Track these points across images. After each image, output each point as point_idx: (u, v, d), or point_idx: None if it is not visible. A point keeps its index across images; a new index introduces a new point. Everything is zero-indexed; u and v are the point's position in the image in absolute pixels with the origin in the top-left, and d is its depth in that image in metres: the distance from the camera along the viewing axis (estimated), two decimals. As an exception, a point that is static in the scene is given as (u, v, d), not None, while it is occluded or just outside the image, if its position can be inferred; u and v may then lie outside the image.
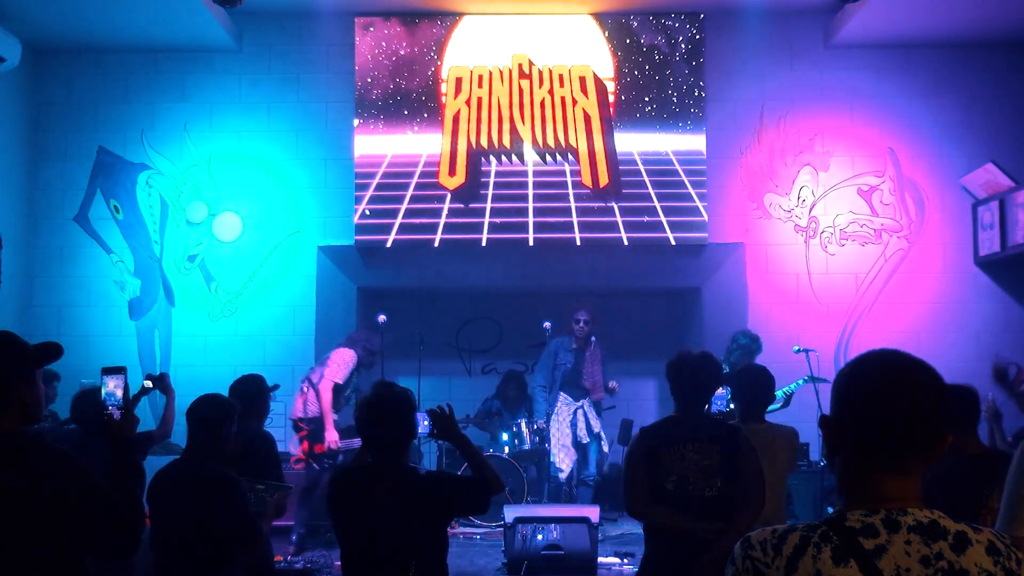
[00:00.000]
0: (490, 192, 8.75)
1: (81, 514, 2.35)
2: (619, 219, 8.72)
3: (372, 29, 8.83)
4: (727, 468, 3.78)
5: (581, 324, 8.03)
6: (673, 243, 8.72)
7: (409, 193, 8.73)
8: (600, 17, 8.83)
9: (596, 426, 8.05)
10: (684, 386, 3.92)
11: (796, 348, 7.74)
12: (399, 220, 8.72)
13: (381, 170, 8.75)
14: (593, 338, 8.11)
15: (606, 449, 8.15)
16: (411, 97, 8.82)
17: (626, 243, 8.71)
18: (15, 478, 2.32)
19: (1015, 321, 8.67)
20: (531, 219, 8.74)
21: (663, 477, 3.78)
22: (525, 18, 8.84)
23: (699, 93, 8.78)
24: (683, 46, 8.82)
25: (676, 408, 3.96)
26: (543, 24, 8.85)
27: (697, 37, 8.81)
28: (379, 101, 8.79)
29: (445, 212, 8.72)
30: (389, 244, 8.72)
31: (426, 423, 3.70)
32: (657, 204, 8.71)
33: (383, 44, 8.85)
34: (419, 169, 8.76)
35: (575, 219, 8.73)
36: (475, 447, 3.53)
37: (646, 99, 8.81)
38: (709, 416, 4.13)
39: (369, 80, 8.80)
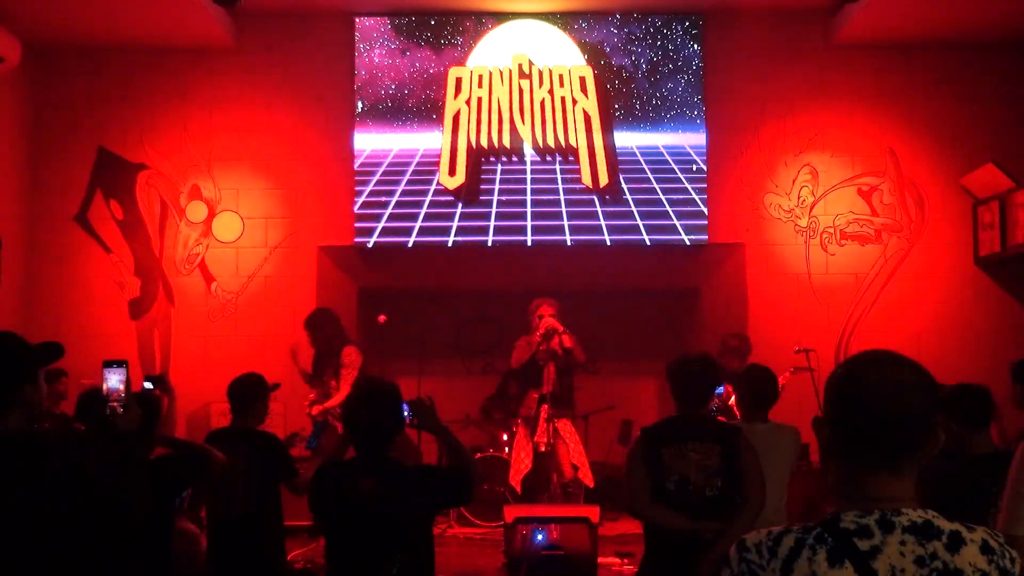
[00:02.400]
0: (496, 194, 8.75)
1: (84, 513, 2.36)
2: (619, 219, 8.72)
3: (376, 36, 8.83)
4: (728, 468, 3.80)
5: (546, 319, 7.64)
6: (673, 243, 8.72)
7: (421, 198, 8.74)
8: (599, 16, 8.83)
9: (557, 435, 7.62)
10: (684, 387, 3.95)
11: (797, 349, 7.73)
12: (394, 219, 8.74)
13: (382, 169, 8.76)
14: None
15: (574, 459, 7.65)
16: (414, 98, 8.82)
17: (626, 243, 8.71)
18: (21, 478, 2.34)
19: (1015, 321, 8.67)
20: (528, 219, 8.75)
21: (664, 477, 3.80)
22: (524, 20, 8.85)
23: (699, 92, 8.78)
24: (683, 45, 8.82)
25: (677, 409, 3.99)
26: (540, 27, 8.86)
27: (697, 36, 8.82)
28: (381, 102, 8.79)
29: (445, 212, 8.73)
30: (389, 245, 8.74)
31: (406, 413, 3.72)
32: (656, 204, 8.72)
33: (385, 46, 8.85)
34: (439, 175, 8.77)
35: (574, 219, 8.73)
36: (455, 438, 3.54)
37: (645, 98, 8.82)
38: (709, 416, 4.16)
39: (371, 80, 8.81)
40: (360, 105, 8.78)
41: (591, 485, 7.70)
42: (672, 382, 4.00)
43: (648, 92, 8.81)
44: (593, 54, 8.82)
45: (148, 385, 5.15)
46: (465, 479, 3.44)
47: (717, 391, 5.10)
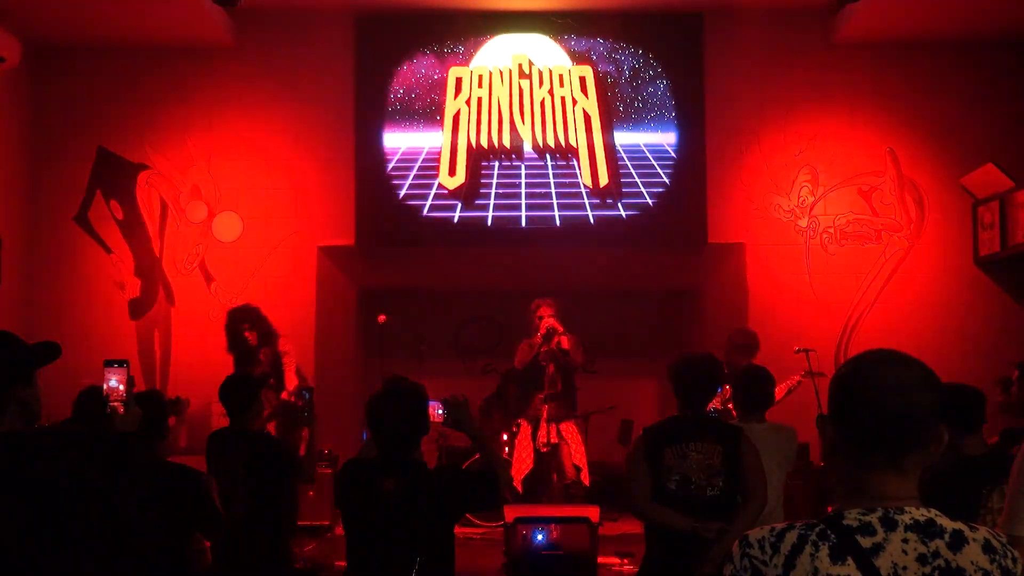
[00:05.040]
0: (493, 192, 8.76)
1: (81, 513, 2.35)
2: (619, 219, 8.73)
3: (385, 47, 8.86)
4: (729, 467, 3.80)
5: (546, 320, 7.64)
6: (673, 243, 8.72)
7: (410, 193, 8.76)
8: (599, 14, 8.83)
9: (558, 436, 7.64)
10: (687, 386, 3.95)
11: (797, 349, 7.72)
12: (400, 220, 8.75)
13: (388, 167, 8.78)
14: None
15: (576, 460, 7.68)
16: (416, 97, 8.84)
17: (626, 243, 8.71)
18: (14, 479, 2.33)
19: (1015, 321, 8.67)
20: (523, 215, 8.75)
21: (665, 476, 3.80)
22: (517, 35, 8.88)
23: (699, 92, 8.79)
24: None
25: (679, 408, 3.98)
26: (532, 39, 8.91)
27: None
28: (390, 104, 8.81)
29: (445, 212, 8.74)
30: (390, 244, 8.75)
31: (440, 412, 3.72)
32: (657, 204, 8.72)
33: (390, 47, 8.87)
34: (439, 176, 8.78)
35: (573, 220, 8.73)
36: (488, 440, 3.53)
37: (644, 97, 8.82)
38: (711, 416, 4.16)
39: (373, 80, 8.83)
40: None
41: (587, 485, 7.72)
42: (675, 382, 4.00)
43: (631, 96, 8.84)
44: (581, 61, 8.85)
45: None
46: (493, 483, 3.42)
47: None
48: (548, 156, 8.79)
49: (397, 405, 3.34)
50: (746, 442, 3.89)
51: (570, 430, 7.78)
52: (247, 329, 7.22)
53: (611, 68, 8.87)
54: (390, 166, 8.77)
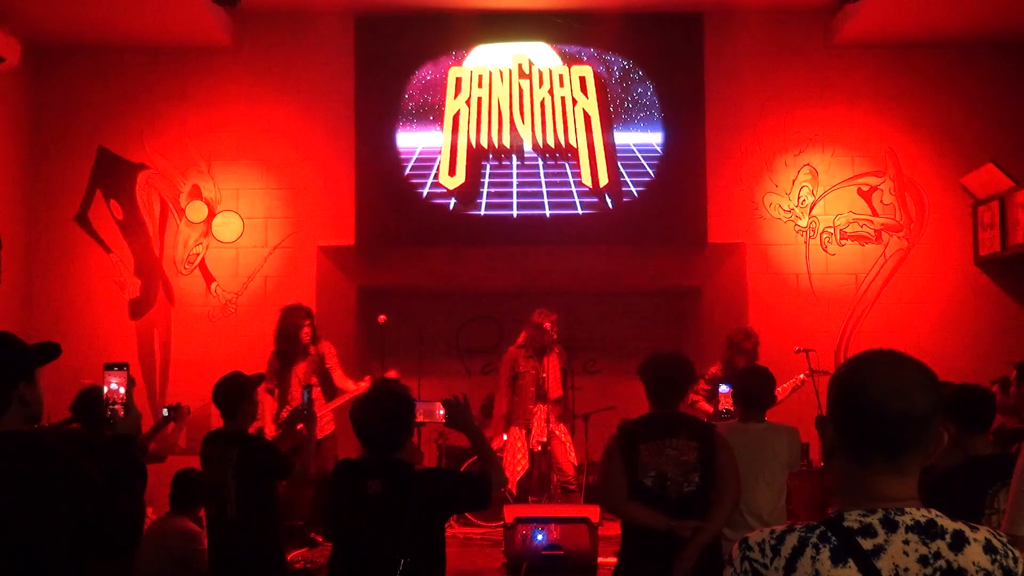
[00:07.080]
0: (485, 191, 8.75)
1: (81, 513, 2.35)
2: (619, 219, 8.72)
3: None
4: (704, 464, 3.82)
5: (546, 327, 7.59)
6: (673, 243, 8.72)
7: (411, 192, 8.75)
8: (598, 15, 8.83)
9: (547, 434, 7.58)
10: (657, 384, 3.99)
11: (797, 349, 7.72)
12: (400, 220, 8.75)
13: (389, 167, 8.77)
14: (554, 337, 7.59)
15: (571, 457, 7.64)
16: (410, 97, 8.84)
17: (626, 243, 8.71)
18: (15, 479, 2.33)
19: (1015, 321, 8.67)
20: (516, 212, 8.74)
21: (642, 473, 3.82)
22: (510, 44, 8.87)
23: (698, 91, 8.79)
24: (680, 46, 8.83)
25: (652, 406, 4.01)
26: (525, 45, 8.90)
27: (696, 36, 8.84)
28: (401, 104, 8.81)
29: (445, 212, 8.74)
30: (391, 243, 8.75)
31: (441, 412, 3.76)
32: (657, 203, 8.72)
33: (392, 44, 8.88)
34: (439, 175, 8.77)
35: (575, 219, 8.73)
36: (486, 441, 3.56)
37: (643, 97, 8.82)
38: (685, 413, 4.18)
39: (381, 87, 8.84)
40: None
41: (576, 486, 7.74)
42: (644, 380, 4.04)
43: (620, 96, 8.85)
44: (573, 62, 8.86)
45: (165, 413, 5.24)
46: (484, 484, 3.43)
47: (722, 390, 5.10)
48: (547, 156, 8.79)
49: (378, 406, 3.37)
50: (719, 439, 3.92)
51: (562, 430, 7.79)
52: (307, 325, 7.35)
53: (601, 69, 8.87)
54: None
